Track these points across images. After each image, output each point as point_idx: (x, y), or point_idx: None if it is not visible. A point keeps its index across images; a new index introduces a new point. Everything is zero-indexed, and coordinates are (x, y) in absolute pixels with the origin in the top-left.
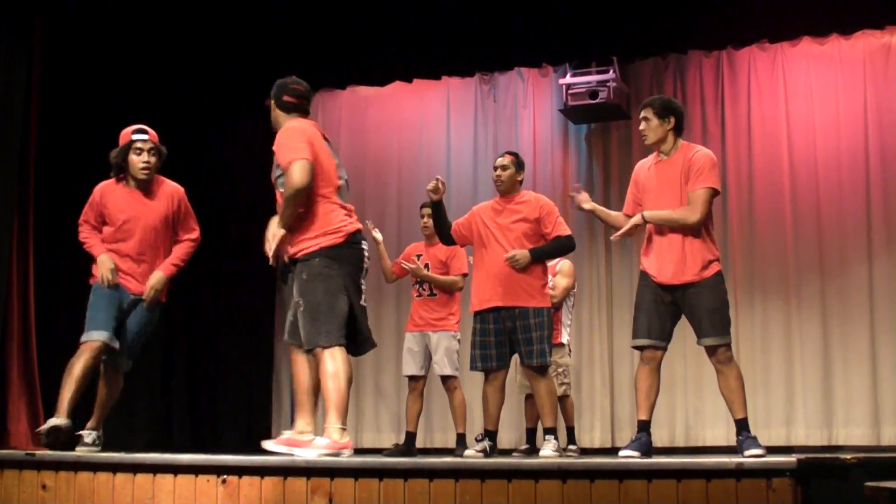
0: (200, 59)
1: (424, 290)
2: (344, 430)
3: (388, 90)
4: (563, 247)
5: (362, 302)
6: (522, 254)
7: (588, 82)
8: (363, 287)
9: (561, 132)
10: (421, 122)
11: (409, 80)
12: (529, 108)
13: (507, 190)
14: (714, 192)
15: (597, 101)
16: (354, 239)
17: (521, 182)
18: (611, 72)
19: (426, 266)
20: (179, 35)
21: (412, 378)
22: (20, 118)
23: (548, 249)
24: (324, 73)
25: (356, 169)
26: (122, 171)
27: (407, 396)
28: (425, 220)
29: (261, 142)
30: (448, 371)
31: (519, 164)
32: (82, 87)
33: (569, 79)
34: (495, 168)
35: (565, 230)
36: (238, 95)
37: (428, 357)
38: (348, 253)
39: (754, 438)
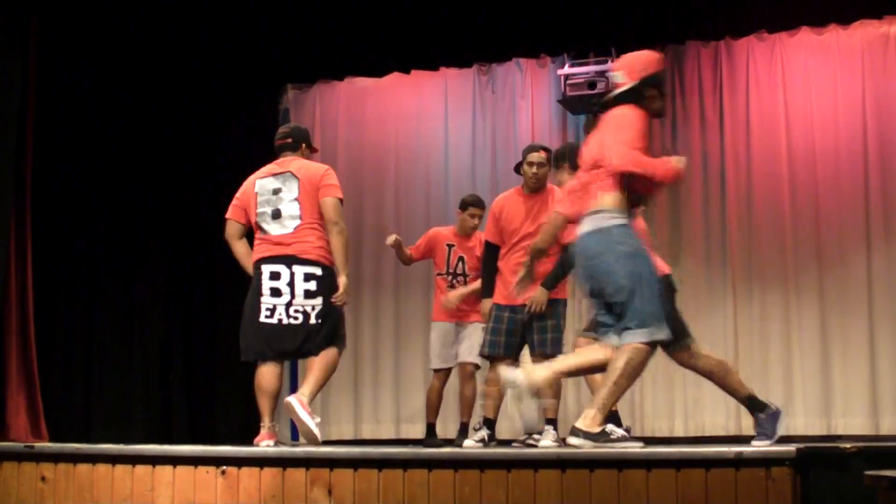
0: (199, 52)
1: (458, 281)
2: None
3: (385, 81)
4: (567, 264)
5: (262, 319)
6: (539, 300)
7: (586, 73)
8: (273, 304)
9: (559, 123)
10: (419, 113)
11: (407, 71)
12: (528, 98)
13: (541, 187)
14: None
15: (595, 91)
16: (255, 266)
17: None
18: (609, 62)
19: (460, 259)
20: (177, 29)
21: (443, 370)
22: (16, 117)
23: (557, 274)
24: (322, 64)
25: (354, 160)
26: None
27: (432, 387)
28: (475, 220)
29: (261, 134)
30: (475, 359)
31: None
32: (80, 85)
33: (567, 69)
34: (531, 164)
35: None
36: (237, 88)
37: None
38: (253, 279)
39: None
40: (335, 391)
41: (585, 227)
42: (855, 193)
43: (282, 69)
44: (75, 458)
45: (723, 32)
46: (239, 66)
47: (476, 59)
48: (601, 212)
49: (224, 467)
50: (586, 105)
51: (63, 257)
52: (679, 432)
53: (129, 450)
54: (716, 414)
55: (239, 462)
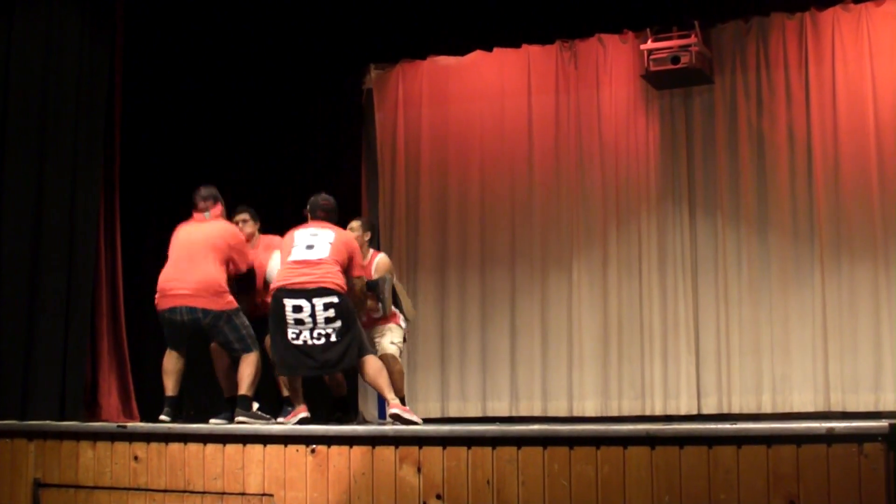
0: (281, 36)
1: None
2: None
3: (468, 59)
4: None
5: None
6: None
7: (670, 47)
8: None
9: (643, 98)
10: (502, 90)
11: (490, 49)
12: (611, 74)
13: None
14: None
15: (679, 66)
16: None
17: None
18: (692, 36)
19: None
20: (259, 14)
21: None
22: (104, 99)
23: None
24: (405, 43)
25: (438, 139)
26: None
27: None
28: None
29: (346, 115)
30: None
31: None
32: (164, 75)
33: (650, 44)
34: None
35: None
36: (320, 70)
37: None
38: None
39: None
40: (422, 370)
41: None
42: None
43: (364, 49)
44: (167, 437)
45: (807, 4)
46: (322, 48)
47: (558, 36)
48: None
49: (314, 446)
50: (670, 80)
51: (150, 242)
52: (767, 409)
53: (219, 429)
54: (804, 390)
55: (328, 440)
